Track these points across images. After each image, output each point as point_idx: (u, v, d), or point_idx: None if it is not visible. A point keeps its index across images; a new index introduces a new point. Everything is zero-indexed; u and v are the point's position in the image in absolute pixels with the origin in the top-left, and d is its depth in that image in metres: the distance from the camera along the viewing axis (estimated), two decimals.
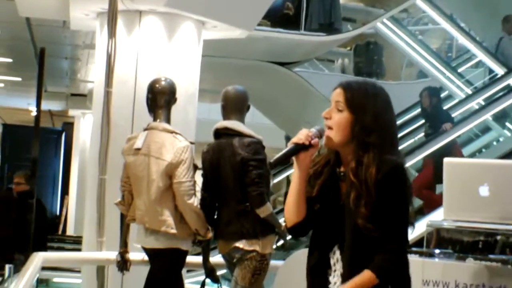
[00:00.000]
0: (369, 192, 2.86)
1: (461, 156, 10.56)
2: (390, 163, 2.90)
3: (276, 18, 11.62)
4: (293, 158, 2.95)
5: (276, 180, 17.21)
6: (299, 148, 2.92)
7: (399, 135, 12.52)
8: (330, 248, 2.99)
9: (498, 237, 5.26)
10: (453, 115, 11.17)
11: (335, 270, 2.98)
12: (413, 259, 4.36)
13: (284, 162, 2.94)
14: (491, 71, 13.29)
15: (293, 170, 2.99)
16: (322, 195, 3.01)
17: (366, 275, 2.85)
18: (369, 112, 2.94)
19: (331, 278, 2.99)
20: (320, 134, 2.95)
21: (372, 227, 2.85)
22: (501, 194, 4.17)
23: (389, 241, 2.87)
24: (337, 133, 2.94)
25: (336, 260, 2.98)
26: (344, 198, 2.95)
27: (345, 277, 2.91)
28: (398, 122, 13.46)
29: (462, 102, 12.19)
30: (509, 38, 11.92)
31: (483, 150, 12.53)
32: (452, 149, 10.21)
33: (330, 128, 2.95)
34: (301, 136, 2.92)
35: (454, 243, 4.52)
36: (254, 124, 11.77)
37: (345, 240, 2.93)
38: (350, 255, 2.92)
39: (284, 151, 2.92)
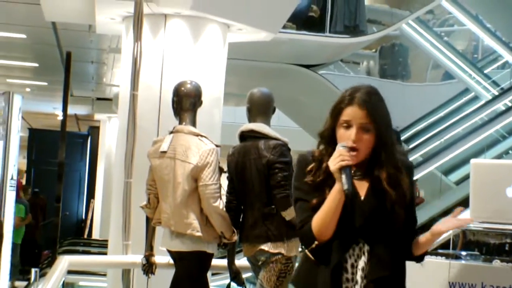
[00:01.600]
0: (405, 196, 3.00)
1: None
2: (408, 164, 3.09)
3: (301, 20, 11.62)
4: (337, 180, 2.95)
5: None
6: (350, 167, 2.93)
7: (427, 136, 12.52)
8: (349, 246, 2.98)
9: None
10: (479, 117, 11.10)
11: (356, 266, 2.97)
12: (439, 261, 4.34)
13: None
14: None
15: (334, 189, 2.94)
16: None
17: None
18: (386, 122, 3.01)
19: (350, 275, 2.97)
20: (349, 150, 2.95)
21: (403, 223, 3.00)
22: None
23: (417, 233, 3.07)
24: (364, 153, 2.97)
25: (356, 256, 2.98)
26: (366, 196, 3.00)
27: (370, 272, 2.95)
28: (424, 123, 13.42)
29: (488, 103, 12.12)
30: None
31: (510, 151, 12.43)
32: None
33: (356, 149, 2.95)
34: (346, 157, 2.90)
35: (480, 245, 4.49)
36: (280, 127, 11.78)
37: (373, 237, 2.97)
38: (382, 251, 2.96)
39: (347, 177, 2.89)
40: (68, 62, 12.19)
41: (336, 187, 2.91)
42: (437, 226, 2.97)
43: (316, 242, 2.97)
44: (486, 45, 14.84)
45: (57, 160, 12.26)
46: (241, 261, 5.62)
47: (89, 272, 10.17)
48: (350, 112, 2.94)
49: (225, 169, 5.29)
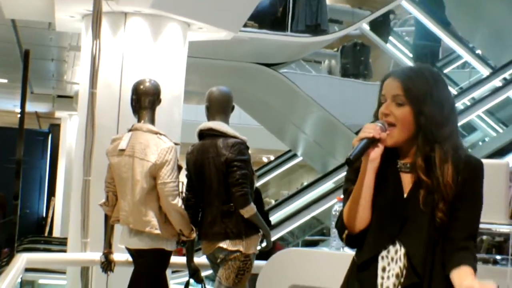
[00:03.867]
0: (445, 190, 2.60)
1: None
2: (471, 162, 2.66)
3: (264, 19, 11.65)
4: (364, 160, 2.66)
5: (263, 181, 17.27)
6: (371, 142, 2.63)
7: None
8: (383, 246, 2.68)
9: (484, 237, 5.28)
10: None
11: (389, 270, 2.66)
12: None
13: (362, 156, 2.64)
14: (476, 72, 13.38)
15: (361, 172, 2.67)
16: (375, 186, 2.70)
17: (469, 271, 2.55)
18: (433, 102, 2.64)
19: (379, 280, 2.67)
20: (385, 128, 2.66)
21: (447, 224, 2.61)
22: None
23: (467, 239, 2.61)
24: (401, 130, 2.64)
25: (390, 259, 2.66)
26: (409, 192, 2.68)
27: (405, 277, 2.63)
28: None
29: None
30: None
31: (469, 150, 12.58)
32: None
33: (392, 124, 2.65)
34: (370, 129, 2.63)
35: None
36: (241, 125, 11.80)
37: (412, 238, 2.64)
38: (418, 253, 2.61)
39: (358, 146, 2.61)
40: (26, 59, 12.09)
41: (364, 172, 2.67)
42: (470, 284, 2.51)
43: (346, 232, 2.74)
44: (446, 45, 14.97)
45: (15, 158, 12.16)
46: (200, 259, 5.64)
47: (49, 270, 10.13)
48: (386, 85, 2.70)
49: (184, 167, 5.30)
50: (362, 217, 2.69)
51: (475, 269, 2.56)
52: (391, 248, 2.66)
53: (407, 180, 2.69)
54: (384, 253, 2.67)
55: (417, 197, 2.64)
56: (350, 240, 2.76)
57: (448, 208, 2.60)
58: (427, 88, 2.65)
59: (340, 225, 2.76)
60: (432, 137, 2.63)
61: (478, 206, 2.66)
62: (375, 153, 2.66)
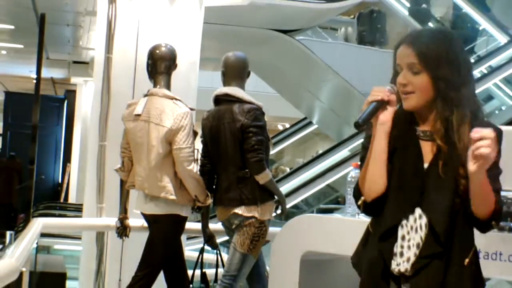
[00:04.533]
0: (464, 154, 2.45)
1: None
2: (488, 124, 2.53)
3: None
4: (374, 123, 2.62)
5: (278, 149, 17.26)
6: (379, 105, 2.58)
7: None
8: (404, 214, 2.61)
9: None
10: None
11: (409, 240, 2.60)
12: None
13: (371, 118, 2.59)
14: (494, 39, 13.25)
15: (373, 136, 2.63)
16: (394, 154, 2.65)
17: (493, 191, 2.50)
18: (450, 64, 2.55)
19: (398, 249, 2.61)
20: (394, 91, 2.61)
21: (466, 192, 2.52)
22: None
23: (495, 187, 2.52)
24: (420, 97, 2.57)
25: (410, 228, 2.60)
26: (429, 160, 2.60)
27: (426, 246, 2.56)
28: None
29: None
30: None
31: (485, 119, 12.49)
32: None
33: (410, 92, 2.58)
34: (378, 92, 2.58)
35: None
36: (257, 92, 11.76)
37: (434, 206, 2.57)
38: (442, 222, 2.53)
39: (367, 110, 2.56)
40: (42, 24, 12.05)
41: (376, 135, 2.63)
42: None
43: (362, 198, 2.69)
44: (464, 13, 14.83)
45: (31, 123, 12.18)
46: (216, 225, 5.64)
47: (64, 235, 10.18)
48: (399, 53, 2.62)
49: (200, 133, 5.28)
50: (378, 182, 2.63)
51: (499, 211, 2.52)
52: (410, 216, 2.61)
53: (427, 148, 2.62)
54: (404, 221, 2.61)
55: (437, 165, 2.58)
56: (366, 207, 2.70)
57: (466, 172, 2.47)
58: (442, 51, 2.56)
59: (357, 192, 2.72)
60: (451, 101, 2.55)
61: (495, 172, 2.55)
62: (385, 116, 2.61)
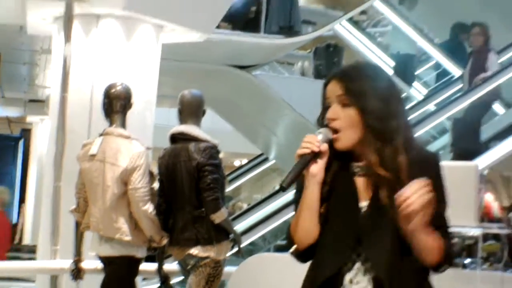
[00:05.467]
0: (401, 186, 2.34)
1: None
2: (424, 155, 2.51)
3: (237, 21, 11.59)
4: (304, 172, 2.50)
5: (235, 185, 17.22)
6: (309, 159, 2.48)
7: None
8: (344, 259, 2.49)
9: (455, 240, 5.28)
10: (411, 117, 11.16)
11: (357, 282, 2.47)
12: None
13: (297, 178, 2.48)
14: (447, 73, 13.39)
15: (305, 187, 2.52)
16: (331, 195, 2.53)
17: (437, 238, 2.39)
18: (377, 97, 2.49)
19: None
20: (327, 139, 2.51)
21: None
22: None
23: (440, 225, 2.42)
24: (349, 133, 2.50)
25: (357, 270, 2.48)
26: (366, 197, 2.50)
27: None
28: None
29: (419, 104, 12.28)
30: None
31: (441, 152, 12.60)
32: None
33: (338, 130, 2.50)
34: (307, 144, 2.47)
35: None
36: (214, 129, 11.72)
37: (375, 246, 2.45)
38: (386, 261, 2.41)
39: (293, 168, 2.47)
40: None
41: (308, 186, 2.52)
42: None
43: (294, 247, 2.58)
44: (418, 46, 14.99)
45: None
46: (171, 265, 5.58)
47: (18, 278, 9.99)
48: (329, 88, 2.56)
49: (156, 172, 5.24)
50: (310, 232, 2.53)
51: (449, 254, 2.43)
52: (356, 258, 2.49)
53: (363, 185, 2.52)
54: (349, 264, 2.49)
55: (375, 203, 2.48)
56: (298, 256, 2.60)
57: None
58: (368, 84, 2.52)
59: (289, 239, 2.61)
60: (381, 133, 2.47)
61: (440, 209, 2.43)
62: (316, 168, 2.51)
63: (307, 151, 2.48)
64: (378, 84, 2.54)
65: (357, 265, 2.49)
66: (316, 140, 2.49)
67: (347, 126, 2.50)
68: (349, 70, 2.61)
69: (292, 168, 2.48)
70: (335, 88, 2.54)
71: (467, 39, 11.89)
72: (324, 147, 2.49)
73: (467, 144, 9.15)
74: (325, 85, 2.60)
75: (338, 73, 2.59)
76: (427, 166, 2.48)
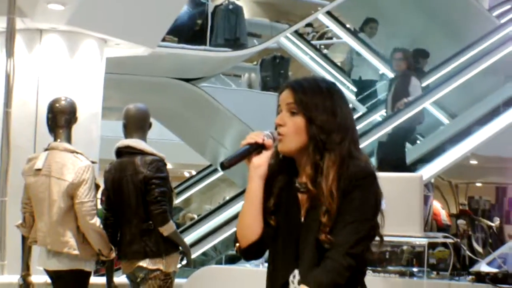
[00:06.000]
0: (328, 200, 2.45)
1: None
2: (358, 170, 2.52)
3: (182, 34, 11.61)
4: (248, 167, 2.60)
5: (185, 196, 17.20)
6: (253, 149, 2.59)
7: None
8: (290, 271, 2.56)
9: (404, 248, 5.36)
10: (357, 127, 11.27)
11: None
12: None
13: (238, 162, 2.57)
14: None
15: (248, 179, 2.61)
16: (279, 208, 2.62)
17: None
18: (325, 110, 2.57)
19: None
20: (273, 137, 2.61)
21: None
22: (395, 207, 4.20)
23: (333, 250, 2.45)
24: (293, 138, 2.58)
25: (297, 283, 2.54)
26: (304, 213, 2.57)
27: None
28: None
29: (365, 115, 12.43)
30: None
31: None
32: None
33: (283, 134, 2.59)
34: (252, 136, 2.59)
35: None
36: (162, 140, 11.70)
37: (302, 261, 2.53)
38: (306, 279, 2.47)
39: (237, 151, 2.57)
40: None
41: (250, 180, 2.62)
42: None
43: (237, 244, 2.65)
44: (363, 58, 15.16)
45: None
46: (120, 278, 5.58)
47: None
48: (281, 96, 2.65)
49: (102, 186, 5.25)
50: (252, 228, 2.61)
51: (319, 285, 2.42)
52: (296, 272, 2.56)
53: (304, 200, 2.59)
54: (291, 277, 2.57)
55: (306, 217, 2.56)
56: (242, 253, 2.67)
57: (331, 221, 2.45)
58: (319, 97, 2.60)
59: (234, 237, 2.69)
60: (322, 145, 2.55)
61: (355, 218, 2.47)
62: (260, 159, 2.60)
63: (252, 141, 2.59)
64: (329, 100, 2.61)
65: (297, 277, 2.55)
66: (262, 135, 2.60)
67: (292, 132, 2.58)
68: (303, 82, 2.67)
69: (235, 151, 2.58)
70: (286, 97, 2.63)
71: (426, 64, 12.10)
72: (268, 142, 2.60)
73: (392, 168, 9.23)
74: (279, 93, 2.69)
75: (292, 83, 2.67)
76: (357, 180, 2.50)
